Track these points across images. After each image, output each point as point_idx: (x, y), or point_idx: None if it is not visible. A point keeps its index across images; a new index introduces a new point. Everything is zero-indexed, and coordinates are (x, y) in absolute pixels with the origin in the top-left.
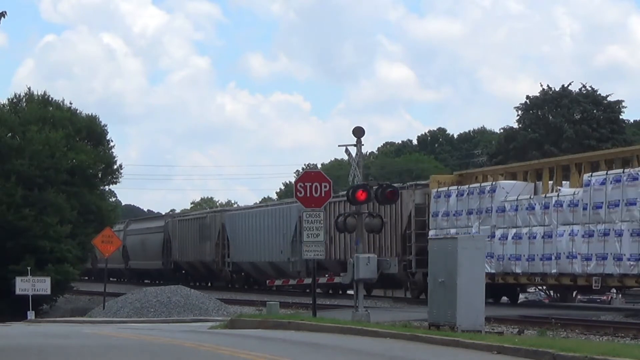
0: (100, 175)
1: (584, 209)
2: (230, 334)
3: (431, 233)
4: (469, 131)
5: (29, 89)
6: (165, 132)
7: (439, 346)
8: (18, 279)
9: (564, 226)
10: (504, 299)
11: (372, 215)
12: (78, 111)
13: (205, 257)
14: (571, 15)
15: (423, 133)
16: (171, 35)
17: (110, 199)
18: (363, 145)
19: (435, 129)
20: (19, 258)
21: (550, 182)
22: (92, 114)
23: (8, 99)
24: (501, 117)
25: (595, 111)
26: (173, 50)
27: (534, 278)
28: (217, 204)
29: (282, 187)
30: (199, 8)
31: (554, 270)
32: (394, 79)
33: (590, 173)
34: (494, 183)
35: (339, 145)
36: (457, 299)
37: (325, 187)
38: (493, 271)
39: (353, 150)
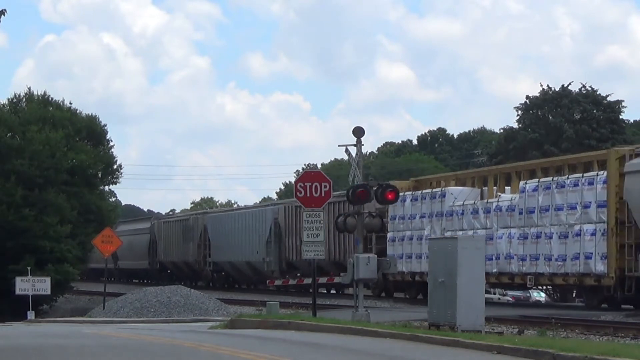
0: (100, 175)
1: (520, 213)
2: (230, 334)
3: (389, 235)
4: (469, 131)
5: (29, 89)
6: (165, 132)
7: (439, 346)
8: (18, 279)
9: (503, 229)
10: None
11: (372, 215)
12: (78, 111)
13: (188, 257)
14: (571, 15)
15: (423, 133)
16: (171, 35)
17: (110, 199)
18: (363, 145)
19: (435, 129)
20: (19, 258)
21: (495, 188)
22: (92, 114)
23: (8, 99)
24: (501, 117)
25: (595, 111)
26: (173, 50)
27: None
28: (217, 204)
29: (282, 187)
30: (199, 8)
31: (494, 270)
32: (394, 79)
33: (525, 181)
34: (443, 189)
35: (339, 145)
36: (457, 299)
37: (325, 187)
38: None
39: (353, 150)
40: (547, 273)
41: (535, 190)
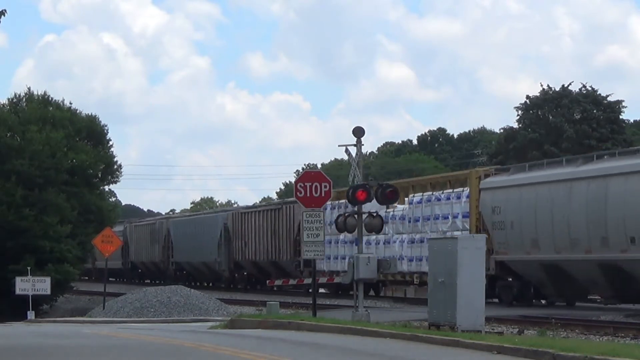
0: (100, 175)
1: (409, 221)
2: (230, 334)
3: None
4: (469, 131)
5: (29, 89)
6: (165, 132)
7: (439, 346)
8: (18, 279)
9: (397, 234)
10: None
11: (372, 215)
12: (78, 111)
13: (155, 257)
14: (571, 15)
15: (423, 133)
16: (171, 35)
17: (110, 199)
18: (363, 145)
19: (435, 129)
20: (19, 258)
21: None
22: (92, 114)
23: (8, 99)
24: (501, 117)
25: (595, 111)
26: (173, 50)
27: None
28: (217, 204)
29: (282, 187)
30: (199, 8)
31: (414, 269)
32: (394, 79)
33: (413, 194)
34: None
35: (339, 145)
36: (457, 299)
37: (325, 187)
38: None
39: (353, 150)
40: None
41: (419, 202)
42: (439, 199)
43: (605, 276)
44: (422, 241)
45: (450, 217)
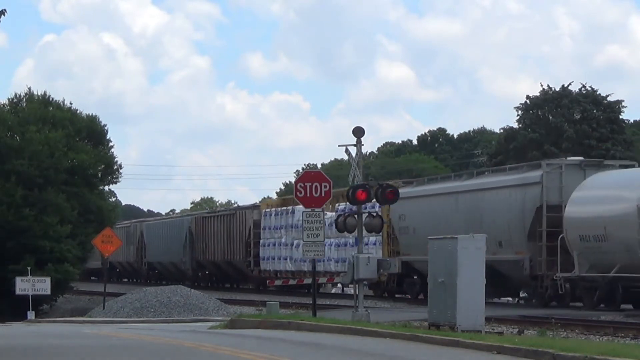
0: (100, 175)
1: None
2: (230, 334)
3: (261, 241)
4: (469, 131)
5: (29, 89)
6: (165, 132)
7: (439, 346)
8: (18, 279)
9: (327, 239)
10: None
11: (372, 215)
12: (78, 111)
13: (130, 258)
14: (571, 15)
15: (423, 133)
16: (171, 35)
17: (110, 199)
18: (363, 145)
19: (435, 129)
20: (19, 258)
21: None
22: (92, 114)
23: (8, 99)
24: (501, 117)
25: (595, 111)
26: (173, 50)
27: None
28: (217, 204)
29: (282, 187)
30: (199, 8)
31: (321, 269)
32: (393, 78)
33: (338, 203)
34: (293, 207)
35: (339, 145)
36: (457, 299)
37: (325, 187)
38: (292, 269)
39: (353, 150)
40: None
41: (344, 210)
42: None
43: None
44: (345, 245)
45: None
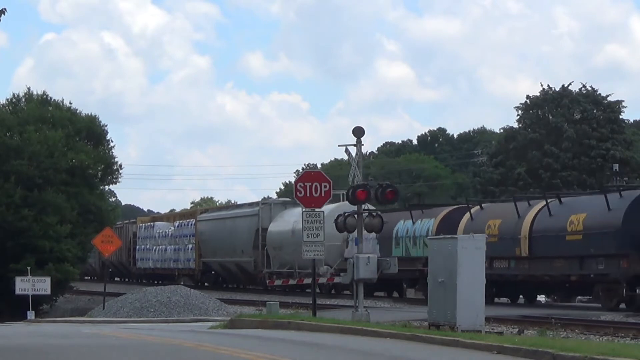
0: (100, 175)
1: (173, 236)
2: (230, 334)
3: (138, 247)
4: (469, 131)
5: (29, 89)
6: (165, 132)
7: (439, 346)
8: (18, 279)
9: (169, 245)
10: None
11: (372, 215)
12: (78, 111)
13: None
14: (571, 14)
15: (423, 133)
16: (171, 35)
17: (110, 199)
18: (363, 145)
19: (435, 129)
20: (19, 258)
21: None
22: (92, 114)
23: (7, 99)
24: (501, 117)
25: (595, 111)
26: (173, 50)
27: (170, 271)
28: (217, 203)
29: (282, 187)
30: (199, 8)
31: (173, 266)
32: (393, 78)
33: (174, 221)
34: (153, 223)
35: (339, 145)
36: (457, 298)
37: (325, 187)
38: (152, 267)
39: (353, 150)
40: (179, 267)
41: (179, 226)
42: (185, 225)
43: (239, 268)
44: (178, 250)
45: (188, 234)
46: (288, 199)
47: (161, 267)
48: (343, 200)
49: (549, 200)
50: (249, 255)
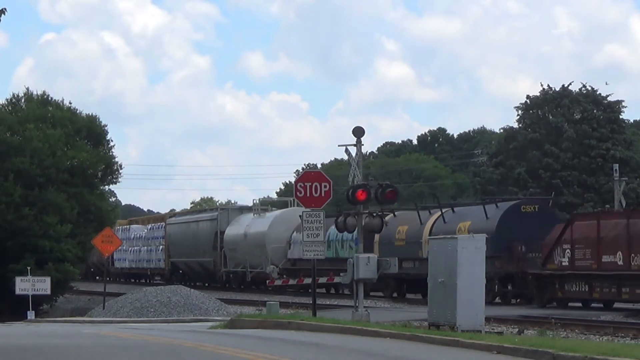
0: (100, 175)
1: (146, 238)
2: (230, 334)
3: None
4: (469, 131)
5: (28, 89)
6: (165, 132)
7: (439, 346)
8: (18, 279)
9: (143, 246)
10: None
11: (372, 215)
12: (78, 111)
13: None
14: (571, 14)
15: (423, 133)
16: (171, 35)
17: (110, 199)
18: (363, 145)
19: (435, 129)
20: (19, 257)
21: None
22: (92, 114)
23: (6, 99)
24: (501, 117)
25: (595, 111)
26: (173, 50)
27: (143, 270)
28: (217, 203)
29: (282, 187)
30: (199, 8)
31: (146, 266)
32: (393, 78)
33: (148, 224)
34: (129, 226)
35: (339, 145)
36: (457, 298)
37: (325, 187)
38: (128, 267)
39: (353, 150)
40: (151, 267)
41: (151, 228)
42: (156, 228)
43: (202, 267)
44: (150, 250)
45: (159, 236)
46: (245, 204)
47: (136, 267)
48: (291, 206)
49: (443, 210)
50: (210, 255)
